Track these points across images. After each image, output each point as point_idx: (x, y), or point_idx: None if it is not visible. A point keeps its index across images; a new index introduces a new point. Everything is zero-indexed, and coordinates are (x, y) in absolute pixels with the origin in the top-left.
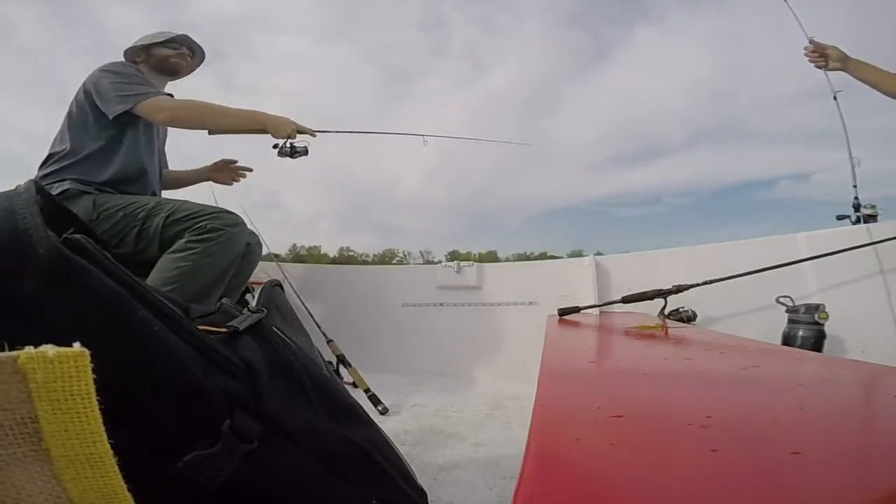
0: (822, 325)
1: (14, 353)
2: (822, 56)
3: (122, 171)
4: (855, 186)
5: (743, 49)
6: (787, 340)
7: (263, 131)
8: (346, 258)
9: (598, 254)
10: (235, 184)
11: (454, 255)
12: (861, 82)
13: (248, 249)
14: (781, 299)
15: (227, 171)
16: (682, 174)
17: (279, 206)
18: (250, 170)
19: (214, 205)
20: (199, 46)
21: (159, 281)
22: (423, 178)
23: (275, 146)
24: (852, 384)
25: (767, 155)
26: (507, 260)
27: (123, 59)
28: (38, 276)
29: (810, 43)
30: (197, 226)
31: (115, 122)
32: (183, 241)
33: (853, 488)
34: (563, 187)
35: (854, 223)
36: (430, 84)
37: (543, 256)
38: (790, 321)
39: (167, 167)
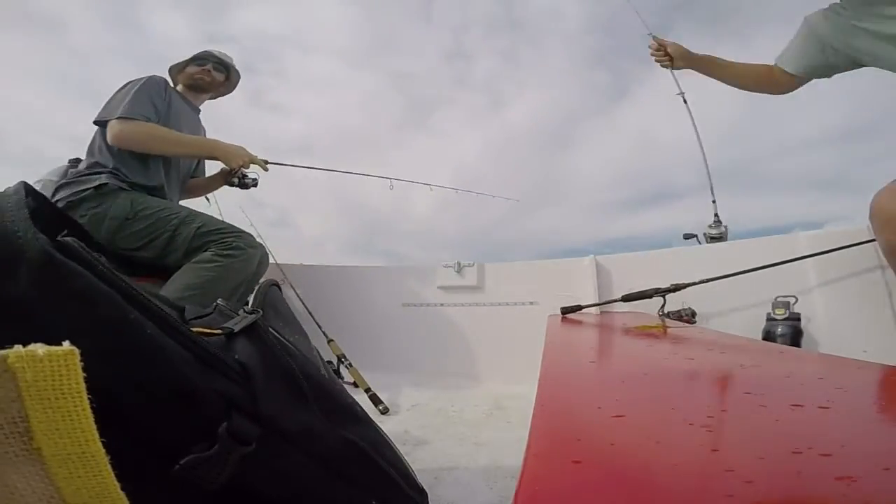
0: (799, 321)
1: (3, 352)
2: (665, 54)
3: (151, 176)
4: (716, 215)
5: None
6: (768, 337)
7: (215, 159)
8: None
9: None
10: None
11: None
12: (715, 80)
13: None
14: (780, 299)
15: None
16: (693, 217)
17: (287, 225)
18: (265, 168)
19: (226, 220)
20: (225, 62)
21: (182, 286)
22: (433, 207)
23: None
24: (853, 383)
25: (781, 201)
26: None
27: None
28: (27, 278)
29: (653, 39)
30: (224, 241)
31: None
32: (210, 253)
33: (855, 487)
34: (573, 227)
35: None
36: (448, 115)
37: None
38: (769, 319)
39: (204, 174)
